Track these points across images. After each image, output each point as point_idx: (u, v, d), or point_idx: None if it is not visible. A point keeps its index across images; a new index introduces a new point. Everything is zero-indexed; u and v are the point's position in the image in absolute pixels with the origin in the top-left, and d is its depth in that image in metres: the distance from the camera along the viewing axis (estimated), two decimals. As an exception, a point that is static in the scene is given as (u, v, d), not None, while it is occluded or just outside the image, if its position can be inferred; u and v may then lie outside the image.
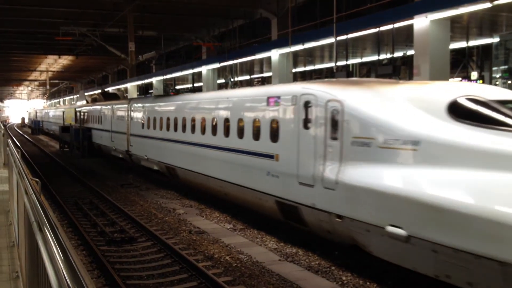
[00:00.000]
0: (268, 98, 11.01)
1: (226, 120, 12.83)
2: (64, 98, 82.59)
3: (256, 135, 11.40)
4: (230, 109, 12.73)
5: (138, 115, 20.47)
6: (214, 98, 14.20)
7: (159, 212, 14.08)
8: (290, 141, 9.96)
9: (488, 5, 12.67)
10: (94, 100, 33.03)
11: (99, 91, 39.49)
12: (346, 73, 17.02)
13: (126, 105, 22.48)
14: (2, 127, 28.85)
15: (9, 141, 12.18)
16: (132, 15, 29.67)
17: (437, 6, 13.81)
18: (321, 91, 9.36)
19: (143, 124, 19.63)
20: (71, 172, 22.09)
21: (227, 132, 12.76)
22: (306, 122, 9.55)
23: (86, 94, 47.21)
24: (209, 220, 13.09)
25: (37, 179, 5.43)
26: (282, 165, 10.23)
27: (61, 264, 2.13)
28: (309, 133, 9.41)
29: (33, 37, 37.58)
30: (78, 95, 65.09)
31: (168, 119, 16.93)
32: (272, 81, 23.74)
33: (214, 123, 13.53)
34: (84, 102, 35.80)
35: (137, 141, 20.27)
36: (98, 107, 28.48)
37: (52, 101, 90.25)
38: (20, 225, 5.50)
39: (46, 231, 2.75)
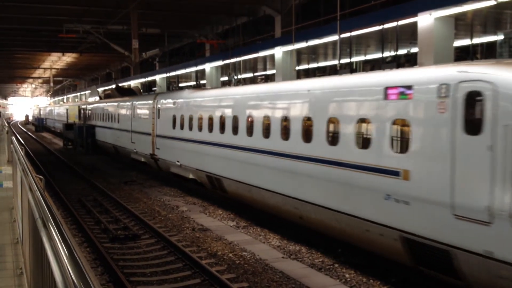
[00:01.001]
0: (387, 89, 8.00)
1: (307, 119, 9.93)
2: (70, 95, 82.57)
3: (365, 141, 8.44)
4: (314, 105, 9.83)
5: (167, 112, 17.50)
6: (288, 91, 11.00)
7: (162, 209, 14.10)
8: (436, 152, 7.05)
9: (492, 2, 12.63)
10: (107, 96, 30.30)
11: (112, 86, 35.98)
12: (350, 71, 16.97)
13: (151, 101, 19.43)
14: (6, 124, 28.90)
15: (13, 138, 12.22)
16: (135, 12, 29.67)
17: (441, 3, 13.76)
18: (502, 77, 6.40)
19: (174, 124, 16.70)
20: (74, 170, 22.13)
21: (308, 136, 9.89)
22: (472, 124, 6.61)
23: (99, 89, 42.29)
24: (212, 217, 13.10)
25: (41, 176, 5.45)
26: (417, 186, 7.29)
27: (66, 261, 2.14)
28: (479, 142, 6.43)
29: (37, 35, 37.61)
30: (89, 91, 59.59)
31: (211, 118, 14.05)
32: (275, 79, 23.73)
33: (286, 124, 10.64)
34: (97, 98, 32.65)
35: (166, 143, 17.49)
36: (114, 104, 25.58)
37: (58, 98, 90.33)
38: (24, 222, 5.52)
39: (51, 227, 2.76)
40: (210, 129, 13.99)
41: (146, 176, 20.58)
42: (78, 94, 72.29)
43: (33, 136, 48.73)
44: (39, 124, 61.55)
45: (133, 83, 39.08)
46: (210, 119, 14.03)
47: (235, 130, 12.62)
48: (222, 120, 13.33)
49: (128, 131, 22.15)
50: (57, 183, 17.81)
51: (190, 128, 15.35)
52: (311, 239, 10.66)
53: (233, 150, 12.58)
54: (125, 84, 41.01)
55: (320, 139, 9.45)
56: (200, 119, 14.70)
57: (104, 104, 28.32)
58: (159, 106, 18.40)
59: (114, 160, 26.47)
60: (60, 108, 48.24)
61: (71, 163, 24.32)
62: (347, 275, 8.68)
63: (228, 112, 13.11)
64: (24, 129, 62.98)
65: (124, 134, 22.84)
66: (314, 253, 9.87)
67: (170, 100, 17.62)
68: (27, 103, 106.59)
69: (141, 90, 34.39)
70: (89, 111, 31.37)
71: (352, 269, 8.94)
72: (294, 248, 10.20)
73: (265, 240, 10.84)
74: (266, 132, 11.33)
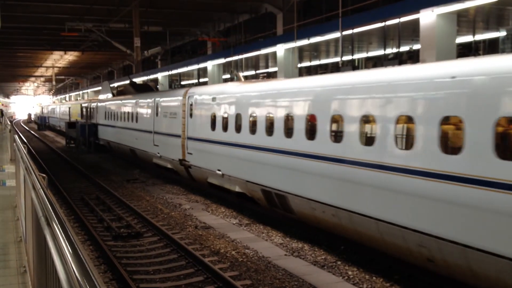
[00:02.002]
0: None
1: (446, 119, 7.08)
2: (74, 93, 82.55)
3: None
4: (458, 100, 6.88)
5: (204, 110, 14.72)
6: (404, 81, 7.87)
7: (165, 207, 14.12)
8: None
9: (495, -2, 12.58)
10: (120, 93, 27.36)
11: (124, 82, 33.61)
12: (352, 68, 16.96)
13: (180, 97, 16.51)
14: (9, 123, 28.97)
15: (16, 137, 12.24)
16: (137, 10, 29.68)
17: (444, 0, 13.73)
18: None
19: (214, 124, 13.91)
20: (77, 168, 22.16)
21: (444, 145, 7.07)
22: None
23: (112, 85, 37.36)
24: (215, 215, 13.12)
25: (44, 175, 5.46)
26: None
27: (70, 258, 2.15)
28: None
29: (39, 33, 37.66)
30: (100, 87, 57.12)
31: (270, 117, 11.19)
32: (277, 76, 23.70)
33: (406, 126, 7.80)
34: (109, 95, 29.12)
35: (201, 148, 14.68)
36: (132, 101, 22.75)
37: (62, 96, 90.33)
38: (28, 220, 5.53)
39: (55, 225, 2.77)
40: (270, 131, 11.10)
41: (149, 174, 20.59)
42: (82, 92, 72.32)
43: (35, 134, 48.81)
44: (42, 122, 61.65)
45: (161, 75, 35.82)
46: (269, 119, 11.18)
47: (310, 134, 9.62)
48: (289, 121, 10.42)
49: (150, 132, 19.28)
50: (59, 181, 17.84)
51: (238, 129, 12.46)
52: (314, 236, 10.66)
53: (309, 160, 9.57)
54: (151, 77, 36.30)
55: (479, 150, 6.53)
56: (253, 118, 11.84)
57: (119, 101, 25.28)
58: (191, 102, 15.52)
59: (116, 158, 26.50)
60: (63, 106, 48.22)
61: (73, 161, 24.35)
62: (350, 272, 8.68)
63: (300, 110, 10.09)
64: (27, 128, 63.09)
65: (145, 135, 19.94)
66: (317, 251, 9.88)
67: (206, 96, 14.61)
68: (30, 101, 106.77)
69: (157, 86, 31.94)
70: (100, 110, 28.71)
71: (355, 266, 8.95)
72: (297, 246, 10.21)
73: (267, 238, 10.85)
74: (367, 138, 8.35)
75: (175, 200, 15.07)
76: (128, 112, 22.83)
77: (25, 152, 7.90)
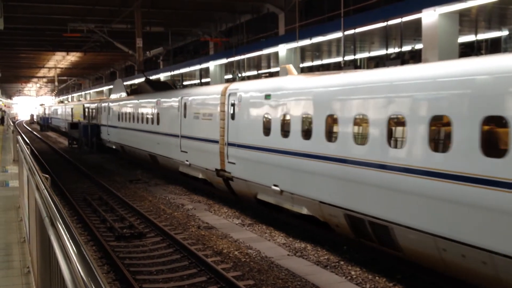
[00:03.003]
0: None
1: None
2: (78, 93, 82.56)
3: None
4: None
5: (252, 111, 12.08)
6: None
7: (167, 207, 14.13)
8: None
9: (497, -2, 12.58)
10: (134, 92, 25.14)
11: (138, 80, 31.28)
12: (354, 68, 16.97)
13: (216, 96, 13.89)
14: (12, 124, 29.02)
15: (19, 138, 12.27)
16: (139, 11, 29.69)
17: (446, -1, 13.72)
18: None
19: (268, 128, 11.27)
20: (80, 168, 22.20)
21: None
22: None
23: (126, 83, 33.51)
24: (217, 215, 13.13)
25: (47, 175, 5.47)
26: None
27: (75, 259, 2.16)
28: None
29: (41, 34, 37.72)
30: (111, 86, 53.96)
31: (362, 119, 8.61)
32: (280, 76, 23.71)
33: None
34: (122, 94, 26.31)
35: (248, 156, 12.09)
36: (152, 100, 20.10)
37: (64, 97, 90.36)
38: (31, 220, 5.54)
39: (59, 226, 2.78)
40: (367, 138, 8.32)
41: (151, 174, 20.61)
42: (84, 92, 72.38)
43: (38, 135, 48.89)
44: (44, 123, 61.74)
45: (163, 75, 33.78)
46: (370, 123, 8.28)
47: (434, 145, 7.24)
48: (408, 126, 7.57)
49: (175, 136, 16.76)
50: (62, 181, 17.87)
51: (308, 135, 9.89)
52: (317, 236, 10.67)
53: (449, 183, 6.81)
54: (175, 73, 33.18)
55: None
56: (332, 122, 9.35)
57: (135, 101, 22.69)
58: (233, 101, 12.88)
59: (119, 158, 26.53)
60: (65, 107, 48.23)
61: (76, 161, 24.39)
62: (352, 272, 8.68)
63: (421, 109, 7.46)
64: (29, 129, 63.20)
65: (169, 140, 17.43)
66: (320, 251, 9.88)
67: (256, 93, 11.98)
68: (32, 102, 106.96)
69: (175, 84, 28.04)
70: (112, 110, 26.34)
71: (358, 266, 8.95)
72: (300, 246, 10.21)
73: (270, 238, 10.85)
74: None
75: (178, 201, 15.08)
76: (147, 113, 20.24)
77: (28, 153, 7.92)
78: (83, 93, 76.84)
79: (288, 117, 10.65)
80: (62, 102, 70.26)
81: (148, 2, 27.72)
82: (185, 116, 16.18)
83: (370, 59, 26.22)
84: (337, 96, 9.32)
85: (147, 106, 20.68)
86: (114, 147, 26.72)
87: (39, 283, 4.40)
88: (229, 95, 13.16)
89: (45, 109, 68.80)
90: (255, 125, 11.82)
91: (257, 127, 11.73)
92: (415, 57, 19.05)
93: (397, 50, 19.87)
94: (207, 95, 14.93)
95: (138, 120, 21.61)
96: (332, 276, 8.53)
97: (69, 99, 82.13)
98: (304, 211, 10.15)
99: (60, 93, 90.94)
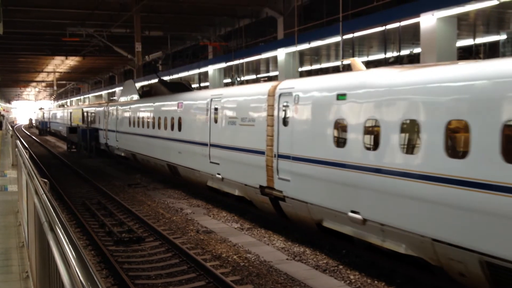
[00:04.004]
0: None
1: None
2: (78, 98, 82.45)
3: None
4: None
5: (316, 116, 9.67)
6: None
7: (166, 212, 14.12)
8: None
9: (495, 2, 12.64)
10: (146, 94, 22.78)
11: (150, 81, 28.95)
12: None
13: (262, 96, 11.47)
14: (10, 128, 29.02)
15: (18, 142, 12.27)
16: (139, 15, 29.77)
17: (444, 3, 13.78)
18: None
19: (341, 138, 8.98)
20: (78, 173, 22.18)
21: None
22: None
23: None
24: (216, 219, 13.12)
25: (46, 180, 5.47)
26: None
27: (74, 263, 2.16)
28: None
29: (41, 38, 37.80)
30: (120, 88, 51.26)
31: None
32: (278, 80, 23.74)
33: None
34: (134, 96, 23.72)
35: (310, 172, 9.69)
36: (171, 103, 17.68)
37: (63, 101, 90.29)
38: (30, 225, 5.54)
39: (58, 231, 2.78)
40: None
41: (150, 178, 20.60)
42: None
43: (36, 139, 48.86)
44: (43, 127, 61.73)
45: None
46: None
47: None
48: None
49: (203, 144, 14.41)
50: (61, 186, 17.86)
51: (412, 149, 7.53)
52: (315, 240, 10.66)
53: None
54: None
55: None
56: (458, 130, 7.06)
57: (150, 103, 20.26)
58: (286, 103, 10.54)
59: (117, 163, 26.52)
60: (64, 111, 48.18)
61: (75, 166, 24.37)
62: (351, 277, 8.68)
63: None
64: (28, 133, 63.17)
65: (194, 149, 15.10)
66: (319, 255, 9.88)
67: (322, 93, 9.61)
68: (31, 106, 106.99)
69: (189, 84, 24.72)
70: (122, 114, 24.15)
71: (357, 270, 8.94)
72: (299, 250, 10.21)
73: (269, 242, 10.85)
74: None
75: (177, 205, 15.08)
76: (166, 118, 17.80)
77: (27, 157, 7.92)
78: (82, 97, 76.87)
79: (377, 124, 8.08)
80: (63, 106, 70.27)
81: (147, 6, 27.78)
82: (215, 121, 13.77)
83: (368, 63, 26.28)
84: (472, 94, 6.60)
85: (165, 110, 18.18)
86: (123, 154, 24.20)
87: (38, 287, 4.40)
88: (280, 95, 10.72)
89: (44, 113, 68.78)
90: (322, 133, 9.35)
91: (324, 136, 9.25)
92: (413, 61, 19.11)
93: (395, 54, 19.92)
94: (247, 96, 12.29)
95: (154, 125, 19.13)
96: (331, 280, 8.52)
97: (68, 104, 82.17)
98: (403, 249, 7.65)
99: (59, 97, 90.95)
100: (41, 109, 77.66)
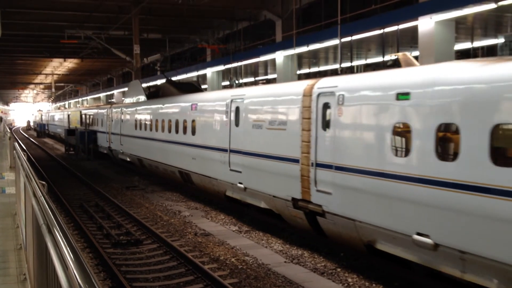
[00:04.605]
0: None
1: None
2: (76, 100, 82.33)
3: None
4: None
5: (372, 119, 8.22)
6: None
7: (164, 214, 14.11)
8: None
9: (493, 5, 12.69)
10: (153, 95, 21.37)
11: (158, 81, 27.61)
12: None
13: (296, 96, 10.13)
14: (8, 130, 29.00)
15: (16, 144, 12.26)
16: (137, 18, 29.79)
17: (442, 7, 13.83)
18: None
19: (403, 146, 7.63)
20: (76, 175, 22.16)
21: None
22: None
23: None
24: (214, 222, 13.11)
25: (44, 182, 5.47)
26: None
27: (72, 266, 2.16)
28: None
29: (39, 40, 37.79)
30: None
31: None
32: (277, 83, 23.77)
33: None
34: (140, 97, 22.37)
35: (362, 186, 8.29)
36: (183, 104, 16.36)
37: (63, 103, 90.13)
38: (28, 227, 5.54)
39: (56, 233, 2.78)
40: None
41: (148, 181, 20.59)
42: (81, 99, 72.25)
43: (35, 141, 48.80)
44: (41, 129, 61.66)
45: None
46: None
47: None
48: None
49: (222, 150, 13.16)
50: (59, 188, 17.84)
51: (504, 161, 6.20)
52: (314, 243, 10.66)
53: None
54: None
55: None
56: None
57: (159, 105, 18.81)
58: (327, 104, 9.22)
59: (115, 165, 26.49)
60: (62, 113, 48.10)
61: (72, 168, 24.35)
62: (349, 279, 8.68)
63: None
64: (26, 135, 63.09)
65: (210, 155, 13.88)
66: (317, 257, 9.88)
67: (378, 93, 8.18)
68: (29, 109, 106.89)
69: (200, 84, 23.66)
70: (127, 116, 22.82)
71: (355, 273, 8.94)
72: (297, 253, 10.21)
73: (267, 245, 10.84)
74: None
75: (175, 207, 15.06)
76: (177, 120, 16.52)
77: (25, 159, 7.92)
78: (80, 99, 76.83)
79: (455, 129, 6.70)
80: (64, 107, 70.16)
81: (145, 9, 27.80)
82: (237, 125, 12.40)
83: (366, 66, 26.32)
84: None
85: (176, 112, 16.84)
86: (128, 159, 22.93)
87: (36, 290, 4.40)
88: (319, 95, 9.42)
89: (42, 115, 68.71)
90: (376, 139, 8.02)
91: (379, 143, 7.91)
92: (410, 65, 19.12)
93: (393, 57, 19.93)
94: (276, 97, 10.93)
95: (163, 128, 17.77)
96: (329, 283, 8.52)
97: (66, 106, 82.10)
98: (495, 286, 6.23)
99: (57, 99, 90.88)
100: (40, 111, 77.52)
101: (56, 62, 51.89)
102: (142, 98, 22.12)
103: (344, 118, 8.76)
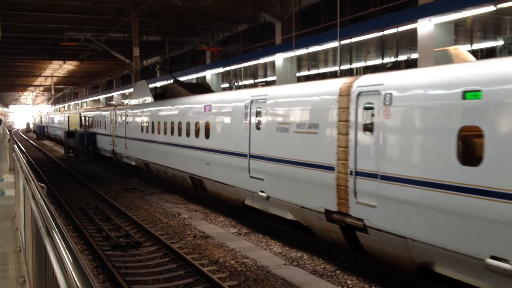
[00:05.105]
0: None
1: None
2: (76, 102, 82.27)
3: None
4: None
5: (429, 122, 7.20)
6: None
7: (164, 216, 14.11)
8: None
9: (492, 8, 12.71)
10: (159, 96, 20.39)
11: (165, 82, 26.60)
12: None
13: (329, 97, 9.16)
14: (8, 132, 29.00)
15: (15, 146, 12.26)
16: (137, 20, 29.82)
17: (441, 9, 13.86)
18: None
19: (474, 154, 6.65)
20: (76, 177, 22.15)
21: None
22: None
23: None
24: (214, 224, 13.11)
25: (43, 184, 5.47)
26: None
27: (71, 268, 2.16)
28: None
29: (38, 43, 37.83)
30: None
31: None
32: (276, 85, 23.78)
33: None
34: (147, 99, 21.29)
35: (417, 199, 7.23)
36: (196, 106, 15.35)
37: (62, 105, 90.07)
38: (27, 230, 5.54)
39: (55, 235, 2.78)
40: None
41: (147, 183, 20.58)
42: (81, 101, 72.22)
43: (34, 144, 48.80)
44: (40, 131, 61.64)
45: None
46: None
47: None
48: None
49: (240, 155, 12.19)
50: (58, 190, 17.83)
51: None
52: (313, 245, 10.66)
53: None
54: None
55: None
56: None
57: (168, 107, 17.76)
58: (370, 105, 8.18)
59: (115, 167, 26.48)
60: (62, 115, 48.08)
61: (72, 170, 24.34)
62: (349, 282, 8.68)
63: None
64: (25, 137, 63.08)
65: (227, 160, 12.93)
66: (316, 260, 9.88)
67: (437, 91, 7.14)
68: (28, 111, 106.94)
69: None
70: (133, 119, 21.88)
71: (354, 275, 8.94)
72: (296, 255, 10.21)
73: (266, 247, 10.84)
74: None
75: (174, 209, 15.06)
76: (188, 123, 15.59)
77: (24, 161, 7.92)
78: (80, 101, 76.86)
79: None
80: (64, 109, 70.14)
81: (145, 11, 27.83)
82: (258, 128, 11.44)
83: (366, 68, 26.36)
84: None
85: (187, 114, 15.85)
86: (134, 163, 21.87)
87: (35, 292, 4.39)
88: (359, 95, 8.35)
89: (41, 117, 68.71)
90: (436, 145, 7.00)
91: (441, 150, 6.88)
92: (411, 67, 19.17)
93: (393, 59, 19.98)
94: (306, 97, 9.88)
95: (173, 131, 16.83)
96: (328, 285, 8.52)
97: (66, 108, 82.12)
98: None
99: (56, 101, 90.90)
100: (40, 112, 77.51)
101: (55, 64, 51.92)
102: (149, 99, 21.05)
103: (393, 121, 7.64)
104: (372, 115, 8.04)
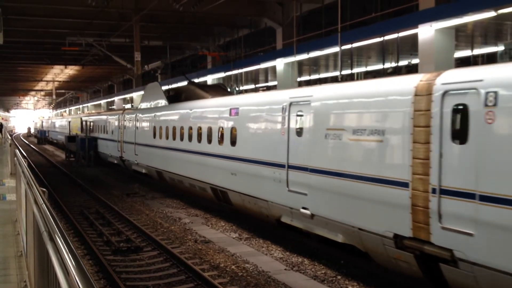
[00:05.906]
0: None
1: None
2: (77, 107, 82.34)
3: None
4: None
5: None
6: None
7: (164, 221, 14.11)
8: None
9: (492, 13, 12.74)
10: (174, 99, 18.67)
11: (179, 84, 25.29)
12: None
13: (399, 98, 7.61)
14: (9, 137, 29.02)
15: (17, 151, 12.28)
16: (138, 25, 29.92)
17: (442, 15, 13.89)
18: None
19: None
20: (77, 182, 22.15)
21: None
22: None
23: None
24: (214, 229, 13.10)
25: (44, 189, 5.48)
26: None
27: (74, 273, 2.17)
28: None
29: (40, 48, 37.94)
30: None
31: None
32: (278, 89, 23.81)
33: None
34: (160, 102, 19.79)
35: None
36: (219, 109, 13.89)
37: (64, 110, 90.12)
38: (29, 234, 5.54)
39: (58, 240, 2.79)
40: None
41: (148, 188, 20.58)
42: (82, 106, 72.22)
43: (35, 148, 48.82)
44: (41, 136, 61.67)
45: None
46: None
47: None
48: None
49: (275, 165, 10.69)
50: (59, 195, 17.83)
51: None
52: (314, 250, 10.65)
53: None
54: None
55: None
56: None
57: (186, 111, 16.15)
58: (462, 107, 6.61)
59: (116, 172, 26.48)
60: (63, 120, 48.11)
61: (73, 175, 24.35)
62: (350, 287, 8.67)
63: None
64: (27, 142, 63.12)
65: (258, 170, 11.37)
66: (317, 265, 9.87)
67: None
68: (30, 115, 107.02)
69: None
70: (143, 123, 20.62)
71: (355, 281, 8.93)
72: (297, 260, 10.20)
73: (267, 252, 10.83)
74: None
75: (175, 214, 15.06)
76: (210, 128, 14.03)
77: (26, 166, 7.93)
78: (81, 106, 76.95)
79: None
80: (66, 112, 70.18)
81: (146, 16, 27.93)
82: (299, 134, 9.90)
83: (367, 73, 26.39)
84: None
85: (209, 118, 14.32)
86: (144, 171, 20.43)
87: (36, 297, 4.40)
88: (445, 94, 6.77)
89: (42, 122, 68.76)
90: None
91: None
92: (411, 72, 19.19)
93: (393, 64, 20.01)
94: (366, 98, 8.31)
95: (191, 137, 15.26)
96: (329, 290, 8.51)
97: (67, 112, 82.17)
98: None
99: (57, 106, 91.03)
100: (42, 117, 77.48)
101: (57, 69, 52.07)
102: (163, 102, 19.30)
103: (500, 127, 6.08)
104: (466, 119, 6.50)
